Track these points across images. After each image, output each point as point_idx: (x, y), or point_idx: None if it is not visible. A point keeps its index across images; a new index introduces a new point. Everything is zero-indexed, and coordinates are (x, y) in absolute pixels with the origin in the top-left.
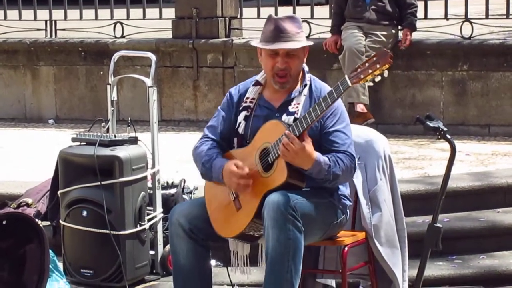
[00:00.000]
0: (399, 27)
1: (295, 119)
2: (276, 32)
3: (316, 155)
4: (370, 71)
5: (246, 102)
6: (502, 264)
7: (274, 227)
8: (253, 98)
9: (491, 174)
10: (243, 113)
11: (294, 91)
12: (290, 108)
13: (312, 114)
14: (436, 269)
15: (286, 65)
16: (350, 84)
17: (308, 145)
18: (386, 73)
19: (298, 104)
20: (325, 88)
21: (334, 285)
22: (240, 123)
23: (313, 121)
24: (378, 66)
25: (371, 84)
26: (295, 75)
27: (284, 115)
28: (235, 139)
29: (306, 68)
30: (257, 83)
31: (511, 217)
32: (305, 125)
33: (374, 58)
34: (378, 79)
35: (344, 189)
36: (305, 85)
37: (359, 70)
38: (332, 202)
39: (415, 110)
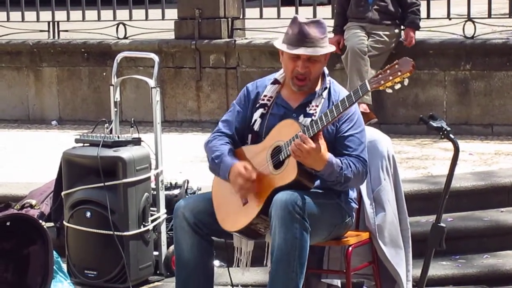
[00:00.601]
0: (402, 27)
1: (312, 121)
2: (300, 36)
3: (329, 156)
4: (391, 77)
5: (263, 99)
6: (506, 263)
7: (281, 225)
8: (270, 97)
9: (494, 174)
10: (260, 111)
11: (313, 93)
12: (308, 110)
13: (329, 116)
14: (439, 268)
15: (306, 70)
16: (369, 88)
17: (321, 146)
18: (406, 81)
19: (317, 106)
20: (343, 91)
21: (339, 285)
22: (256, 120)
23: (328, 123)
24: (399, 73)
25: (390, 91)
26: (314, 79)
27: (302, 116)
28: (250, 136)
29: (327, 71)
30: (275, 82)
31: None
32: (320, 126)
33: (396, 66)
34: (398, 86)
35: (351, 192)
36: (325, 88)
37: (380, 76)
38: (339, 203)
39: (418, 109)
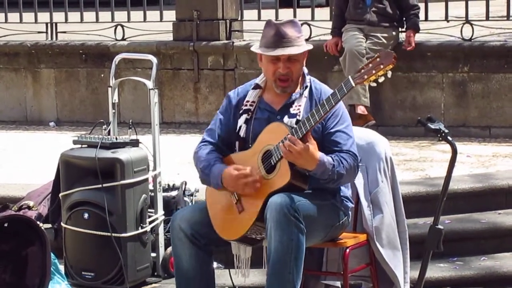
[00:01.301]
0: (401, 29)
1: (297, 121)
2: (277, 38)
3: (320, 155)
4: (374, 71)
5: (246, 105)
6: (503, 265)
7: (277, 228)
8: (253, 101)
9: (492, 176)
10: (244, 116)
11: (295, 93)
12: (292, 110)
13: (316, 116)
14: (437, 270)
15: (288, 70)
16: (353, 84)
17: (312, 146)
18: (389, 74)
19: (300, 106)
20: (325, 89)
21: (340, 285)
22: (240, 126)
23: (316, 122)
24: (382, 66)
25: (374, 84)
26: (296, 79)
27: (286, 117)
28: (237, 143)
29: (306, 70)
30: (256, 86)
31: None
32: (308, 126)
33: (378, 59)
34: (381, 79)
35: (346, 191)
36: (306, 87)
37: (362, 71)
38: (334, 204)
39: (415, 112)
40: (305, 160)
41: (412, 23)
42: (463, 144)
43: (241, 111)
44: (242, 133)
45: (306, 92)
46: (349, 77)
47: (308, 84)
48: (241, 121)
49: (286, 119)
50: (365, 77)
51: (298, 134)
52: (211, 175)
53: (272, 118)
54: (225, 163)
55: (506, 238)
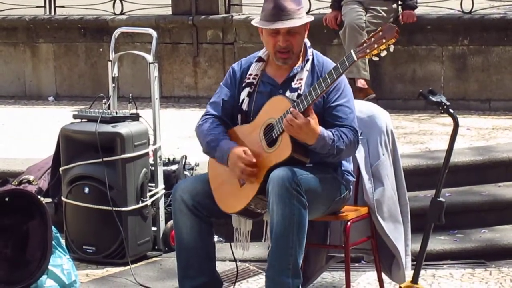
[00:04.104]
0: (400, 2)
1: (298, 95)
2: (276, 11)
3: (320, 130)
4: (376, 45)
5: (249, 78)
6: (503, 238)
7: (279, 202)
8: (256, 75)
9: (492, 149)
10: (247, 90)
11: (296, 66)
12: (293, 84)
13: (318, 89)
14: (437, 243)
15: (288, 43)
16: (356, 58)
17: (313, 120)
18: (392, 48)
19: (301, 79)
20: (328, 62)
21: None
22: (243, 99)
23: (318, 96)
24: (384, 40)
25: (376, 59)
26: (297, 51)
27: (288, 91)
28: (239, 116)
29: (308, 43)
30: (259, 60)
31: None
32: (310, 100)
33: (380, 33)
34: (384, 53)
35: (348, 165)
36: (307, 60)
37: (365, 44)
38: (335, 177)
39: (415, 85)
40: (305, 134)
41: (406, 5)
42: (463, 117)
43: (244, 84)
44: (244, 106)
45: (308, 66)
46: (352, 51)
47: (310, 58)
48: (243, 94)
49: (288, 93)
50: (367, 51)
51: (300, 107)
52: (218, 149)
53: (274, 92)
54: (229, 137)
55: (506, 210)
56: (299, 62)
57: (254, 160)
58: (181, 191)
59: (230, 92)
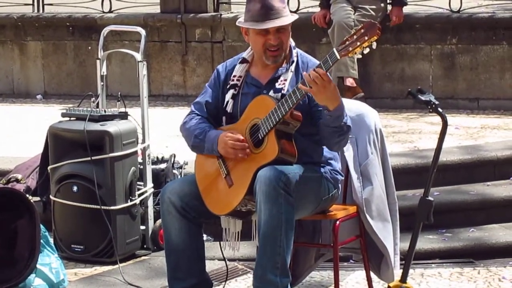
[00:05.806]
0: (388, 0)
1: (282, 95)
2: (265, 10)
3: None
4: (358, 43)
5: (233, 80)
6: (492, 237)
7: (267, 201)
8: (240, 76)
9: (480, 148)
10: (231, 92)
11: (281, 68)
12: (277, 85)
13: (302, 90)
14: (426, 242)
15: (279, 41)
16: (339, 57)
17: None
18: (374, 45)
19: (285, 80)
20: (312, 61)
21: None
22: (228, 101)
23: (302, 96)
24: (366, 38)
25: (360, 56)
26: (286, 48)
27: (271, 92)
28: (224, 118)
29: (293, 43)
30: (243, 61)
31: (500, 190)
32: (294, 99)
33: (362, 30)
34: (366, 51)
35: (336, 164)
36: (292, 62)
37: (347, 42)
38: (324, 176)
39: (404, 84)
40: (330, 94)
41: (397, 1)
42: (452, 116)
43: (228, 86)
44: (229, 108)
45: (292, 67)
46: (334, 49)
47: (295, 59)
48: (228, 96)
49: (271, 93)
50: (350, 49)
51: (284, 107)
52: (207, 139)
53: (258, 93)
54: None
55: (494, 209)
56: (284, 64)
57: (242, 137)
58: (169, 192)
59: (214, 93)
